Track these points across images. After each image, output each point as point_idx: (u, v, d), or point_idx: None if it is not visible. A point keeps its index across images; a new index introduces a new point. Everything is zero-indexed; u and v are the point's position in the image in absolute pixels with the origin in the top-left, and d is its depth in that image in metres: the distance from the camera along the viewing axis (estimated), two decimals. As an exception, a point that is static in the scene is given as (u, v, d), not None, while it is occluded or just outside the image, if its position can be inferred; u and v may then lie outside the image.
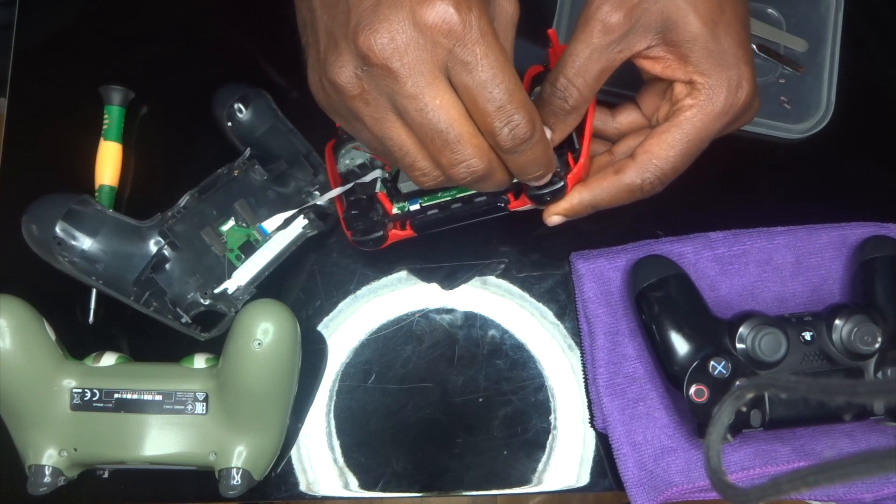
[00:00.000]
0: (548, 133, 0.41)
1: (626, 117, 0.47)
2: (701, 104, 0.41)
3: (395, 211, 0.47)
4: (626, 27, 0.39)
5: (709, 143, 0.43)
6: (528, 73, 0.46)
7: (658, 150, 0.42)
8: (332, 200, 0.49)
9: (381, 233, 0.47)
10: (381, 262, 0.53)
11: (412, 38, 0.34)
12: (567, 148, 0.44)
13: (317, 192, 0.51)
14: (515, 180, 0.43)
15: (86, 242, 0.48)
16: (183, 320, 0.48)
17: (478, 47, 0.34)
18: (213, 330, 0.48)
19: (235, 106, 0.51)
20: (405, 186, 0.47)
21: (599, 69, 0.40)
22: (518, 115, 0.35)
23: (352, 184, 0.48)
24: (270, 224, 0.50)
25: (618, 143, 0.46)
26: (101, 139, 0.53)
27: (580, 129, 0.44)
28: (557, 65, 0.41)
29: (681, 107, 0.41)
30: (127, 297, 0.47)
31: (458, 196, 0.46)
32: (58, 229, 0.47)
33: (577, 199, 0.44)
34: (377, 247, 0.47)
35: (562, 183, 0.43)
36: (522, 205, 0.45)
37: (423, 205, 0.46)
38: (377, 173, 0.48)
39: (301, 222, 0.50)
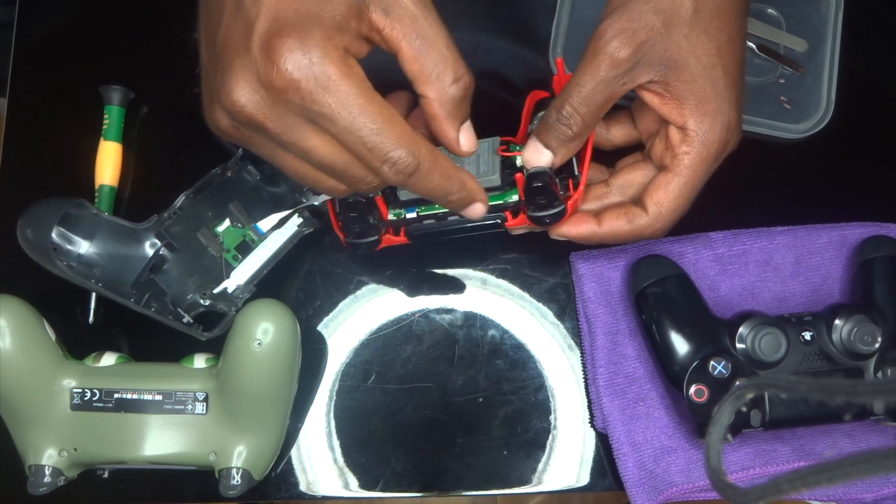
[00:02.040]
0: (549, 156, 0.43)
1: (620, 130, 0.48)
2: (696, 151, 0.43)
3: (390, 217, 0.47)
4: (633, 62, 0.40)
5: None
6: (529, 98, 0.47)
7: (667, 202, 0.44)
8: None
9: (375, 237, 0.47)
10: (382, 261, 0.53)
11: (265, 97, 0.34)
12: (567, 174, 0.45)
13: (310, 192, 0.51)
14: (515, 199, 0.44)
15: (82, 246, 0.47)
16: (184, 320, 0.48)
17: (328, 98, 0.33)
18: (214, 329, 0.48)
19: None
20: (403, 194, 0.46)
21: (604, 100, 0.41)
22: (396, 151, 0.35)
23: None
24: (266, 224, 0.50)
25: (615, 175, 0.48)
26: (101, 139, 0.53)
27: (580, 156, 0.45)
28: (563, 92, 0.42)
29: (678, 153, 0.43)
30: (127, 299, 0.47)
31: None
32: (54, 234, 0.46)
33: (587, 230, 0.45)
34: (370, 250, 0.47)
35: (562, 206, 0.44)
36: (520, 224, 0.46)
37: (420, 213, 0.46)
38: None
39: (296, 221, 0.50)
